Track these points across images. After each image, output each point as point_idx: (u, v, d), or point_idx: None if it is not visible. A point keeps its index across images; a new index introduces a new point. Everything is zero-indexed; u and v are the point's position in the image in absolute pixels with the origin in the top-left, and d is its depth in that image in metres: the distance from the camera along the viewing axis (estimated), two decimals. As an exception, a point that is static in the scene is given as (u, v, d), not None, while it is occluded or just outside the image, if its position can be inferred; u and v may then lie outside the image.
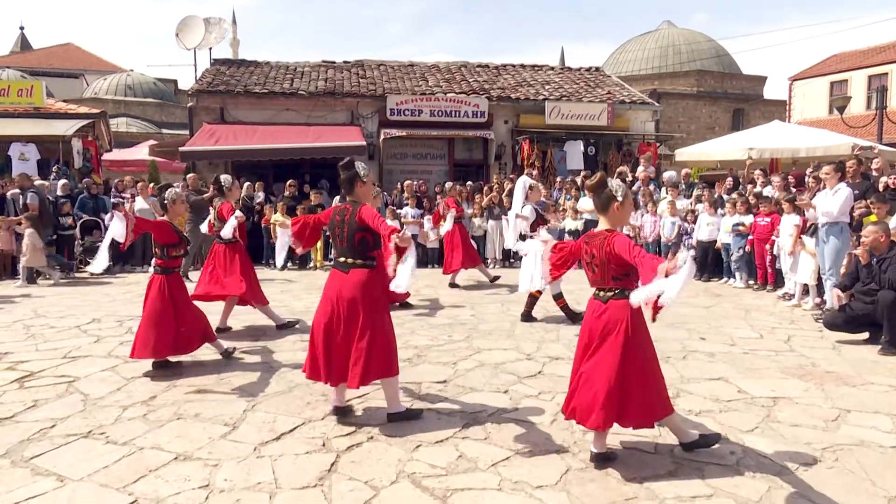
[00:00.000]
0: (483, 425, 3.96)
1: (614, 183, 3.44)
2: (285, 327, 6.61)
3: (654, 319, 3.10)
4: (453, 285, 9.54)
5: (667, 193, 11.67)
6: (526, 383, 4.83)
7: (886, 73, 25.85)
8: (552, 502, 3.02)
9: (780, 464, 3.41)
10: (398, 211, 12.35)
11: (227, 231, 6.23)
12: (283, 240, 4.64)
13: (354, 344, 3.83)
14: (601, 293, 3.42)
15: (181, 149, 14.31)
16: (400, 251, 3.67)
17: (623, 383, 3.25)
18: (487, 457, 3.50)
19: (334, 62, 18.84)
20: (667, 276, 2.87)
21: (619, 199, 3.39)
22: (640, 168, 13.29)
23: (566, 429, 3.88)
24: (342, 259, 3.98)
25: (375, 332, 3.84)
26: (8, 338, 6.33)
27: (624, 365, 3.24)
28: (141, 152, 20.07)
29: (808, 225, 7.97)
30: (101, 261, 5.15)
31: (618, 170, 13.42)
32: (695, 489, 3.14)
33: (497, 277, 9.82)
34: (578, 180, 12.87)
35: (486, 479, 3.25)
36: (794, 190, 9.52)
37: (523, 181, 7.08)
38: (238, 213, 6.37)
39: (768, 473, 3.30)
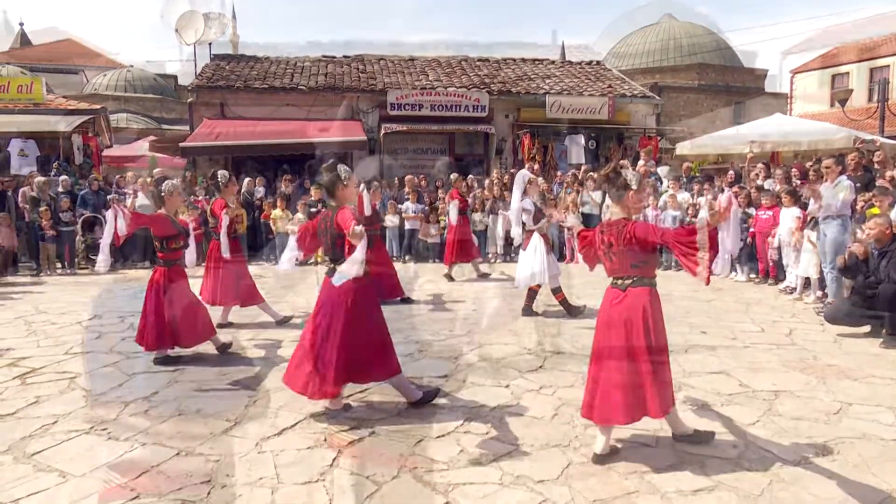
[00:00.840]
0: (484, 420, 3.96)
1: (628, 171, 3.44)
2: (284, 322, 6.62)
3: (707, 282, 3.13)
4: (449, 278, 9.53)
5: (668, 187, 11.65)
6: (527, 378, 4.83)
7: (888, 66, 25.74)
8: (554, 496, 3.02)
9: (781, 457, 3.41)
10: (399, 206, 12.34)
11: (225, 248, 6.21)
12: (292, 244, 4.57)
13: (338, 349, 3.79)
14: (619, 281, 3.41)
15: (181, 144, 14.32)
16: (352, 248, 3.61)
17: (656, 369, 3.25)
18: (489, 451, 3.50)
19: (334, 57, 18.79)
20: (709, 228, 3.02)
21: (634, 186, 3.39)
22: (641, 162, 13.24)
23: (567, 423, 3.88)
24: (332, 266, 3.96)
25: (369, 337, 3.83)
26: (9, 334, 6.34)
27: (653, 352, 3.24)
28: (141, 148, 20.06)
29: (808, 219, 7.94)
30: (103, 261, 5.29)
31: (619, 163, 13.37)
32: (696, 483, 3.14)
33: (487, 274, 10.06)
34: (579, 174, 12.85)
35: (487, 474, 3.25)
36: (798, 182, 9.49)
37: (522, 175, 7.05)
38: (228, 208, 6.37)
39: (770, 467, 3.30)
